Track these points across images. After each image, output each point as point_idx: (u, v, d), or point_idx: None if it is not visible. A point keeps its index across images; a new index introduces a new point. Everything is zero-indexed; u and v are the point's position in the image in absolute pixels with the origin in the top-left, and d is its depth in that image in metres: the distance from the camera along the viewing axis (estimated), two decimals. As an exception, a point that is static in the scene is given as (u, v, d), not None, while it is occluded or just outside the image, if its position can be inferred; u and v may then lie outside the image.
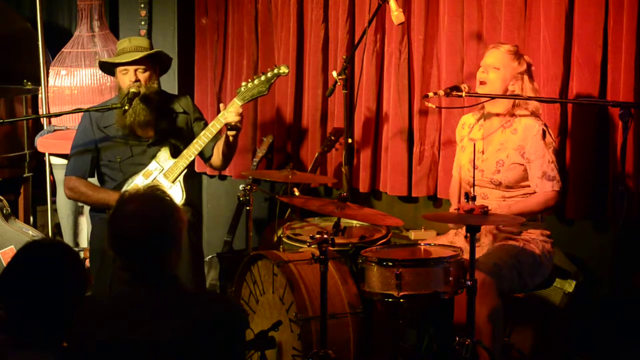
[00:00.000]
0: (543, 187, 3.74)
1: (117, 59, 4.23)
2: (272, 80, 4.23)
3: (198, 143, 4.20)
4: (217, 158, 4.33)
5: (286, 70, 4.22)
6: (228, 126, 4.12)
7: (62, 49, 5.68)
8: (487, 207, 3.40)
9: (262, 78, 4.21)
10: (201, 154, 4.29)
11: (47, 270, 2.32)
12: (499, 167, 3.79)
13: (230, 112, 4.10)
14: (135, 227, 2.52)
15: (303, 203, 3.86)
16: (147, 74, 4.20)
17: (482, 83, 3.83)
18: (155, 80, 4.26)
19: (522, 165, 3.77)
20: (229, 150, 4.26)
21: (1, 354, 2.31)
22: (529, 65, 3.82)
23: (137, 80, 4.17)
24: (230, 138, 4.17)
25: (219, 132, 4.23)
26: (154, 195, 2.62)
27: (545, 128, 3.78)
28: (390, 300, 3.46)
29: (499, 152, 3.81)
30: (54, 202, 5.57)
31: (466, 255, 3.48)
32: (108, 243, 2.57)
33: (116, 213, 2.57)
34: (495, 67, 3.80)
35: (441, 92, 3.86)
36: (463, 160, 3.94)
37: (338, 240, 3.68)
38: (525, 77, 3.81)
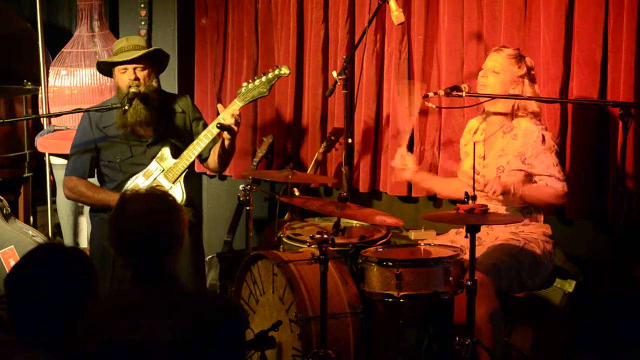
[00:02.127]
0: (554, 185, 3.74)
1: (115, 58, 4.23)
2: (273, 81, 4.23)
3: (198, 144, 4.20)
4: (212, 160, 4.31)
5: (287, 72, 4.22)
6: (218, 125, 4.08)
7: (62, 49, 5.68)
8: (486, 206, 3.40)
9: (263, 79, 4.21)
10: (198, 156, 4.28)
11: (51, 273, 2.32)
12: (500, 173, 3.79)
13: (228, 115, 4.09)
14: (140, 226, 2.52)
15: (303, 203, 3.86)
16: (145, 72, 4.20)
17: (483, 86, 3.82)
18: (154, 78, 4.26)
19: (523, 171, 3.77)
20: (225, 154, 4.23)
21: (2, 354, 2.31)
22: (529, 69, 3.82)
23: (137, 79, 4.17)
24: (226, 142, 4.14)
25: (219, 134, 4.23)
26: (158, 195, 2.62)
27: (544, 132, 3.77)
28: (390, 300, 3.46)
29: (500, 158, 3.81)
30: (54, 202, 5.57)
31: (466, 255, 3.48)
32: (110, 242, 2.57)
33: (119, 212, 2.57)
34: (495, 72, 3.80)
35: (441, 92, 3.86)
36: (466, 166, 3.93)
37: (338, 240, 3.68)
38: (526, 81, 3.80)
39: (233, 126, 4.08)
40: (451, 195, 4.12)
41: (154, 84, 4.24)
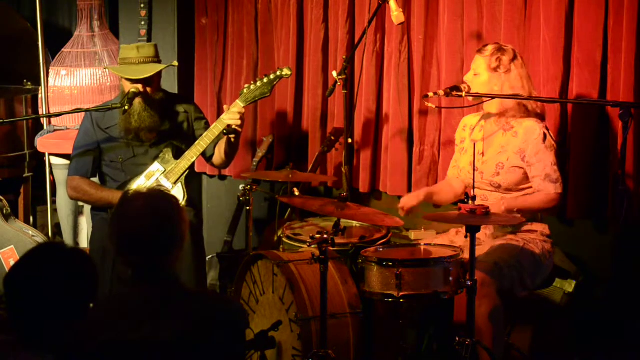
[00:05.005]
0: (546, 188, 3.74)
1: (127, 73, 4.19)
2: (275, 83, 4.25)
3: (200, 144, 4.21)
4: (218, 157, 4.34)
5: (289, 73, 4.24)
6: (224, 131, 4.12)
7: (62, 49, 5.68)
8: (488, 207, 3.40)
9: (265, 80, 4.23)
10: (202, 154, 4.30)
11: (51, 273, 2.31)
12: (499, 169, 3.80)
13: (232, 114, 4.11)
14: (142, 225, 2.52)
15: (303, 203, 3.86)
16: (153, 84, 4.22)
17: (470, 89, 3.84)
18: (160, 86, 4.29)
19: (522, 168, 3.77)
20: (231, 150, 4.28)
21: (2, 354, 2.31)
22: (502, 61, 3.78)
23: (145, 91, 4.18)
24: (232, 139, 4.18)
25: (221, 134, 4.24)
26: (159, 195, 2.63)
27: (546, 131, 3.77)
28: (390, 300, 3.46)
29: (500, 155, 3.82)
30: (54, 202, 5.57)
31: (466, 255, 3.48)
32: (111, 241, 2.57)
33: (121, 211, 2.57)
34: (475, 74, 3.82)
35: (441, 92, 3.86)
36: (463, 162, 3.94)
37: (338, 240, 3.68)
38: (502, 73, 3.77)
39: (238, 128, 4.12)
40: (450, 200, 4.12)
41: (160, 93, 4.27)
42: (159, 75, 4.27)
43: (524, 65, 3.84)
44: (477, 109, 4.03)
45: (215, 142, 4.27)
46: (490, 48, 3.82)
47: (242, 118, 4.14)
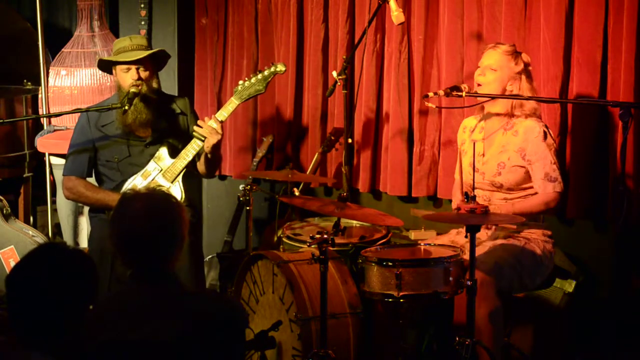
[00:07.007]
0: (545, 188, 3.74)
1: (119, 57, 4.22)
2: (269, 79, 4.23)
3: (196, 142, 4.19)
4: (200, 164, 4.29)
5: (283, 68, 4.22)
6: (198, 137, 4.10)
7: (62, 49, 5.68)
8: (487, 206, 3.40)
9: (259, 76, 4.21)
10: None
11: (52, 274, 2.31)
12: (500, 169, 3.80)
13: (202, 131, 4.08)
14: (143, 226, 2.52)
15: (303, 203, 3.86)
16: (148, 72, 4.21)
17: (478, 85, 3.83)
18: (155, 78, 4.27)
19: (524, 167, 3.77)
20: (209, 162, 4.22)
21: (2, 354, 2.31)
22: (526, 65, 3.82)
23: (140, 79, 4.17)
24: (209, 155, 4.15)
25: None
26: (160, 195, 2.62)
27: (546, 129, 3.78)
28: (390, 300, 3.46)
29: (501, 155, 3.82)
30: (54, 202, 5.57)
31: (466, 255, 3.49)
32: (111, 241, 2.56)
33: (122, 211, 2.57)
34: (492, 69, 3.80)
35: (441, 92, 3.86)
36: (463, 163, 3.95)
37: (338, 240, 3.68)
38: (523, 77, 3.81)
39: (210, 139, 4.08)
40: None
41: (155, 84, 4.25)
42: (154, 66, 4.26)
43: None
44: (477, 111, 4.02)
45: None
46: (509, 48, 3.80)
47: (214, 133, 4.07)
